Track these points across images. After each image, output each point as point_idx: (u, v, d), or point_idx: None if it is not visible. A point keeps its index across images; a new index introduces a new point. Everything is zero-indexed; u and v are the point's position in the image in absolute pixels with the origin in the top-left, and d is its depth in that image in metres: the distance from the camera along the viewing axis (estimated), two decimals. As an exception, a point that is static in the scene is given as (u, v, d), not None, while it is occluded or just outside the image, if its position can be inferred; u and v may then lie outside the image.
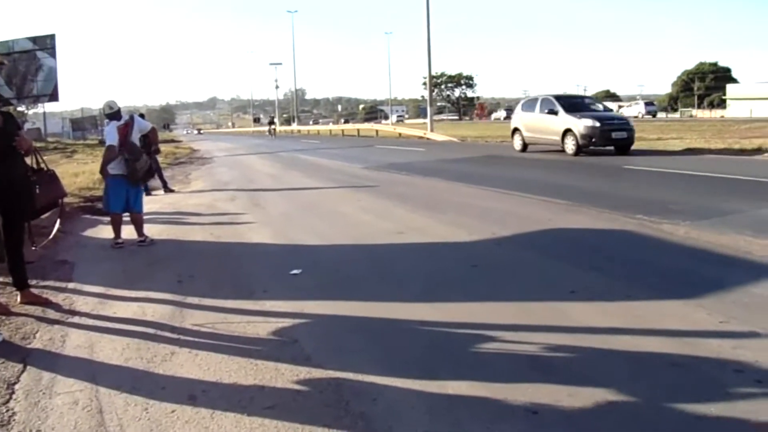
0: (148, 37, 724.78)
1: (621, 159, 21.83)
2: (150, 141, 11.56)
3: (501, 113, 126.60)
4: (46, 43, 51.21)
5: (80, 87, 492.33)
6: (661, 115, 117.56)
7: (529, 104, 28.66)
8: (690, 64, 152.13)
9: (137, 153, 10.08)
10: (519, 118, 28.98)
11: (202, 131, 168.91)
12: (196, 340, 5.85)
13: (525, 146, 27.97)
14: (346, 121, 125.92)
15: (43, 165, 7.66)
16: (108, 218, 10.70)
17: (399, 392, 4.57)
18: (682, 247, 8.72)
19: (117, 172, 10.13)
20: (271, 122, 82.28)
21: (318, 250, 9.54)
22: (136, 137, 10.30)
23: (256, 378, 4.91)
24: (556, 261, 8.29)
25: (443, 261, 8.56)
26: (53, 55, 51.23)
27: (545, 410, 4.20)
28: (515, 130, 28.95)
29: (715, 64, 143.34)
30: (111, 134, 10.09)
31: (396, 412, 4.26)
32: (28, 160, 7.33)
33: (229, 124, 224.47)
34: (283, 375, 4.94)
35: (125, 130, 10.06)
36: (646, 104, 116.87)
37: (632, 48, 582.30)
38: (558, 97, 26.76)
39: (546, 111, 25.97)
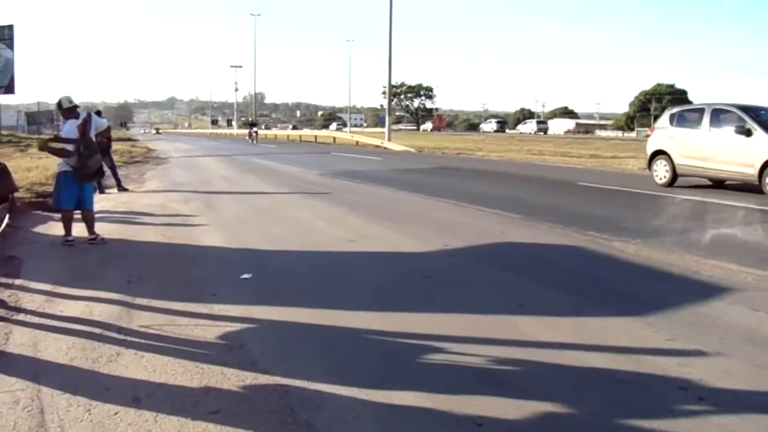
0: (109, 33, 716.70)
1: (575, 175, 21.98)
2: (104, 140, 11.45)
3: (490, 125, 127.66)
4: (3, 34, 50.58)
5: (37, 80, 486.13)
6: (617, 134, 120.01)
7: (688, 117, 19.06)
8: (647, 85, 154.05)
9: (92, 149, 9.99)
10: (667, 137, 19.19)
11: (161, 131, 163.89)
12: (143, 341, 5.80)
13: (675, 178, 18.67)
14: (294, 127, 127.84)
15: (-6, 159, 7.57)
16: (59, 215, 10.58)
17: (345, 401, 4.56)
18: (631, 264, 8.84)
19: (69, 168, 10.04)
20: (252, 124, 70.68)
21: (270, 255, 9.51)
22: (93, 135, 10.22)
23: (202, 382, 4.88)
24: (506, 274, 8.35)
25: (395, 271, 8.57)
26: (11, 46, 50.61)
27: (490, 422, 4.23)
28: (658, 153, 19.42)
29: (672, 86, 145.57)
30: (71, 132, 10.01)
31: (341, 421, 4.26)
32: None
33: (186, 124, 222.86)
34: (229, 380, 4.92)
35: (84, 128, 9.98)
36: (538, 122, 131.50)
37: (591, 66, 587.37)
38: (747, 109, 17.24)
39: (732, 128, 16.86)
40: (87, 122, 10.08)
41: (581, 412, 4.39)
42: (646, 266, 8.68)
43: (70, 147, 9.89)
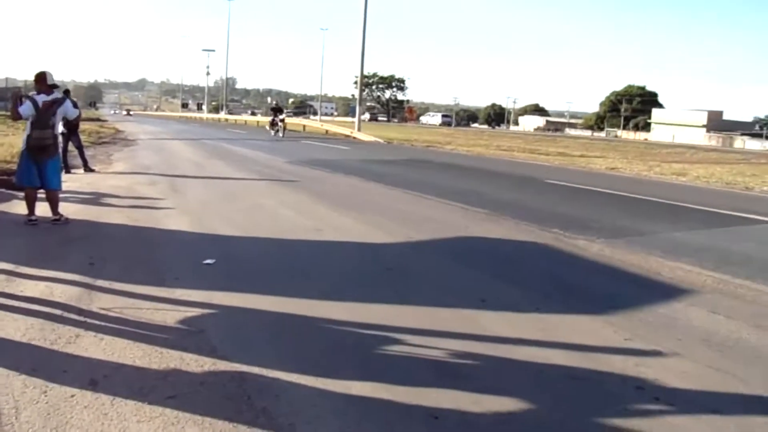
0: (80, 11, 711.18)
1: (542, 172, 22.08)
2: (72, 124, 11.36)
3: (435, 118, 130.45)
4: (-29, 9, 50.07)
5: (5, 56, 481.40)
6: (586, 133, 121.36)
7: None
8: (619, 86, 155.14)
9: (43, 125, 9.89)
10: None
11: (132, 113, 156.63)
12: (103, 324, 5.76)
13: None
14: (253, 113, 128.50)
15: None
16: (23, 194, 10.49)
17: (302, 389, 4.58)
18: (594, 263, 8.93)
19: (25, 145, 10.03)
20: (278, 110, 51.28)
21: (234, 242, 9.50)
22: (58, 117, 10.13)
23: (160, 366, 4.87)
24: (469, 269, 8.40)
25: (358, 261, 8.61)
26: (-22, 22, 50.07)
27: (447, 415, 4.27)
28: None
29: (643, 88, 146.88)
30: (27, 109, 9.96)
31: (298, 410, 4.27)
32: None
33: (155, 107, 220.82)
34: (188, 365, 4.92)
35: (49, 106, 9.90)
36: (443, 116, 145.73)
37: (564, 64, 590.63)
38: None
39: None
40: (55, 102, 10.00)
41: (538, 408, 4.44)
42: (608, 266, 8.77)
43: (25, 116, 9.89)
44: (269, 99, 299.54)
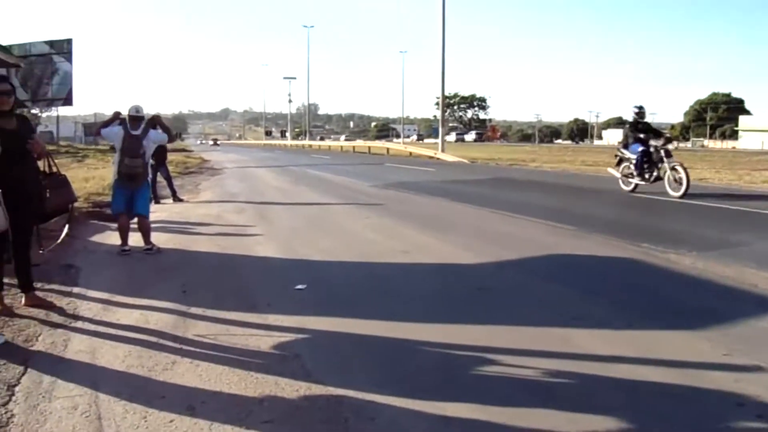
0: (164, 45, 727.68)
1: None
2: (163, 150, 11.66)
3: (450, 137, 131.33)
4: (62, 48, 51.61)
5: (94, 92, 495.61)
6: (672, 144, 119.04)
7: None
8: (703, 94, 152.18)
9: (131, 153, 10.16)
10: None
11: (219, 142, 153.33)
12: (198, 350, 5.85)
13: None
14: (348, 138, 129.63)
15: (55, 169, 7.71)
16: (116, 225, 10.72)
17: (398, 412, 4.55)
18: (687, 277, 8.69)
19: (116, 173, 10.41)
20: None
21: (323, 266, 9.54)
22: (150, 147, 10.37)
23: (256, 391, 4.90)
24: (560, 286, 8.28)
25: (448, 282, 8.55)
26: (69, 59, 51.63)
27: (544, 436, 4.20)
28: None
29: (728, 95, 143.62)
30: (112, 134, 10.46)
31: (394, 432, 4.24)
32: (40, 164, 7.37)
33: (237, 135, 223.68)
34: (283, 389, 4.94)
35: (136, 139, 10.16)
36: (457, 134, 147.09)
37: (646, 74, 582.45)
38: None
39: None
40: (140, 137, 10.30)
41: (635, 427, 4.32)
42: (701, 279, 8.54)
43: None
44: (351, 124, 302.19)
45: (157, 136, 10.69)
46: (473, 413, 4.51)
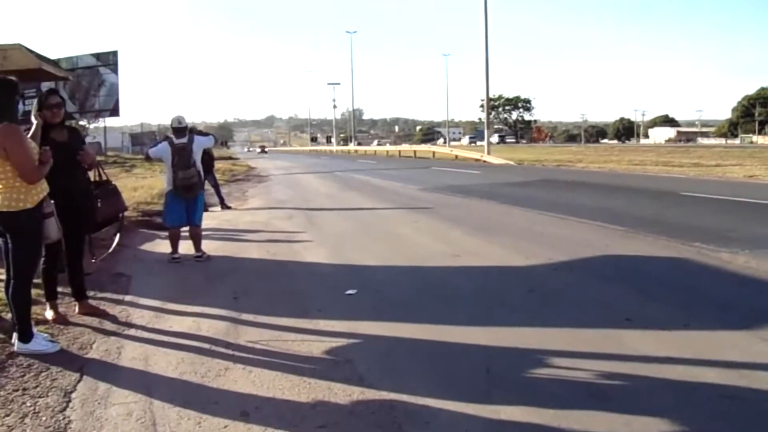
0: (208, 54, 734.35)
1: (677, 185, 21.51)
2: (206, 158, 11.76)
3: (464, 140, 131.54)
4: (108, 60, 52.27)
5: (140, 103, 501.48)
6: (720, 141, 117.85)
7: None
8: (751, 90, 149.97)
9: (183, 165, 10.26)
10: None
11: (267, 150, 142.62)
12: (250, 356, 5.88)
13: None
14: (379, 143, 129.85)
15: (105, 179, 7.79)
16: (166, 233, 10.82)
17: (452, 416, 4.53)
18: (740, 276, 8.58)
19: (170, 187, 10.48)
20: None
21: (373, 271, 9.54)
22: (198, 154, 10.43)
23: (309, 396, 4.91)
24: (612, 288, 8.20)
25: (498, 285, 8.51)
26: (115, 71, 52.28)
27: (599, 438, 4.14)
28: None
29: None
30: (159, 150, 10.66)
31: (449, 436, 4.22)
32: (91, 174, 7.45)
33: (281, 141, 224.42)
34: (336, 394, 4.94)
35: (185, 147, 10.25)
36: (470, 138, 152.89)
37: (692, 71, 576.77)
38: None
39: None
40: (186, 145, 10.41)
41: (690, 429, 4.25)
42: (756, 278, 8.42)
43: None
44: (396, 128, 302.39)
45: (200, 140, 10.76)
46: (527, 416, 4.48)
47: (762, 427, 4.27)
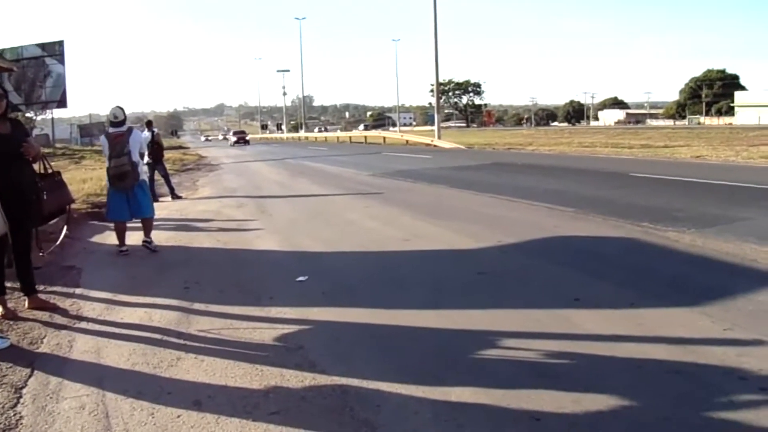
0: (157, 43, 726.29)
1: (626, 166, 21.73)
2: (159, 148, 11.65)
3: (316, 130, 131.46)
4: (54, 50, 51.45)
5: (88, 93, 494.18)
6: (668, 122, 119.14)
7: None
8: (697, 72, 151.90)
9: (117, 152, 10.13)
10: None
11: (248, 138, 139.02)
12: (202, 345, 5.88)
13: None
14: (324, 129, 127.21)
15: (50, 171, 7.71)
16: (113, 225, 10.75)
17: (403, 399, 4.58)
18: (687, 254, 8.73)
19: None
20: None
21: (324, 257, 9.58)
22: (134, 148, 10.31)
23: (261, 384, 4.94)
24: (561, 268, 8.31)
25: (449, 268, 8.58)
26: (62, 61, 51.47)
27: (549, 417, 4.22)
28: None
29: (723, 72, 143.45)
30: (102, 142, 10.54)
31: (400, 419, 4.27)
32: (36, 167, 7.37)
33: (225, 128, 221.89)
34: (288, 381, 4.97)
35: (119, 138, 10.14)
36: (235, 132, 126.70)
37: (639, 54, 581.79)
38: None
39: None
40: (122, 134, 10.26)
41: (639, 404, 4.35)
42: (702, 256, 8.57)
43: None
44: (347, 114, 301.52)
45: (139, 133, 10.68)
46: (478, 397, 4.54)
47: (708, 399, 4.36)
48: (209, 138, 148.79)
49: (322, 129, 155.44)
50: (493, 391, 4.60)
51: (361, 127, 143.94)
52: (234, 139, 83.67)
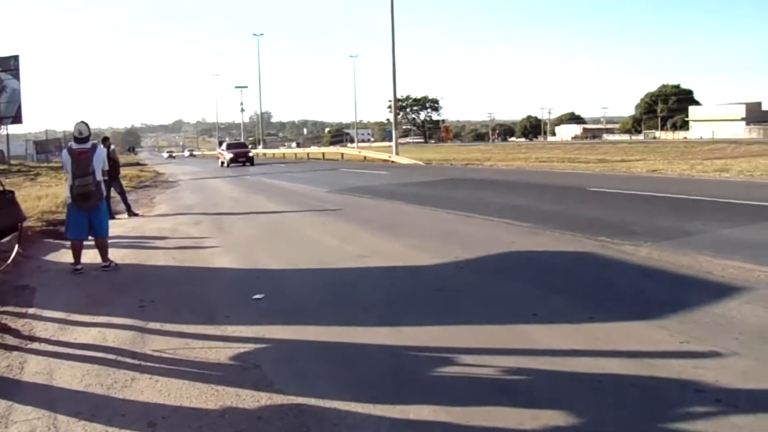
0: (114, 59, 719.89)
1: (583, 180, 21.92)
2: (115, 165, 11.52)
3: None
4: (9, 65, 50.80)
5: (44, 109, 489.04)
6: (624, 137, 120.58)
7: None
8: (653, 87, 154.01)
9: (82, 170, 9.98)
10: None
11: (251, 153, 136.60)
12: (157, 365, 5.81)
13: None
14: (298, 145, 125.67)
15: (1, 188, 7.60)
16: (69, 243, 10.62)
17: (361, 417, 4.55)
18: (643, 268, 8.81)
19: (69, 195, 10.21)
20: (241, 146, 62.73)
21: (281, 275, 9.53)
22: (98, 163, 10.20)
23: (218, 404, 4.89)
24: (518, 284, 8.35)
25: (406, 285, 8.58)
26: (17, 76, 50.81)
27: (507, 433, 4.21)
28: None
29: (677, 86, 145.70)
30: (65, 159, 10.31)
31: (358, 438, 4.24)
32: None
33: (181, 144, 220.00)
34: (245, 400, 4.93)
35: (83, 156, 10.02)
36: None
37: (595, 70, 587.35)
38: None
39: None
40: (86, 151, 10.13)
41: (598, 418, 4.37)
42: (657, 269, 8.66)
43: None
44: (305, 130, 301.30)
45: (101, 153, 10.57)
46: (435, 415, 4.53)
47: (665, 412, 4.39)
48: (173, 155, 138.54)
49: (298, 144, 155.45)
50: (453, 409, 4.59)
51: (294, 144, 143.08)
52: (230, 156, 55.00)
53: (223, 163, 55.91)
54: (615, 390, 4.84)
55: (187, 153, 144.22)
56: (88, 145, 10.18)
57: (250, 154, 57.38)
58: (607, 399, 4.68)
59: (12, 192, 7.90)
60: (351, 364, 5.69)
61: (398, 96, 55.42)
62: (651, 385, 4.87)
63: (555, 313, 6.83)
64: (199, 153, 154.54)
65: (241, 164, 53.39)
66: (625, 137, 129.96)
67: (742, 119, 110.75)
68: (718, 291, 7.39)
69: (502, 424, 4.33)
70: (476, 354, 5.77)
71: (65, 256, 11.29)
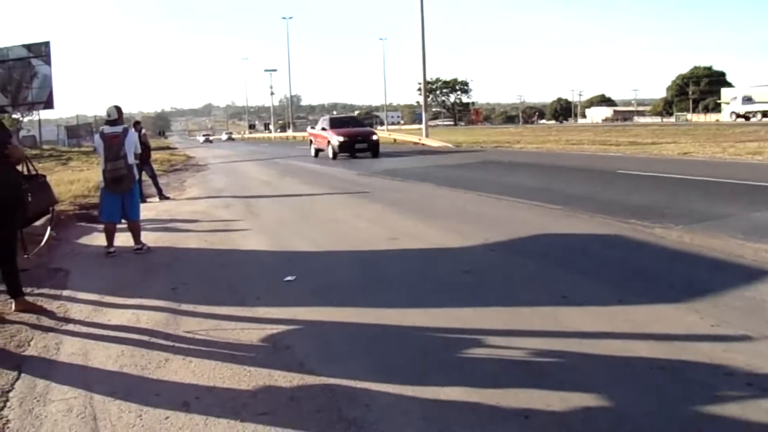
0: (144, 44, 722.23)
1: (614, 163, 21.78)
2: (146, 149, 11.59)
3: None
4: (40, 51, 51.08)
5: (75, 94, 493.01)
6: (655, 120, 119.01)
7: None
8: (685, 69, 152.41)
9: (114, 154, 10.11)
10: None
11: (234, 137, 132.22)
12: (190, 347, 5.87)
13: None
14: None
15: (35, 172, 7.68)
16: (102, 226, 10.71)
17: (392, 398, 4.57)
18: (674, 251, 8.76)
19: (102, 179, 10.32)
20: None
21: (312, 257, 9.58)
22: (129, 146, 10.29)
23: (250, 384, 4.93)
24: (548, 266, 8.33)
25: (436, 267, 8.58)
26: (48, 62, 51.08)
27: (537, 414, 4.22)
28: None
29: (709, 68, 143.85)
30: (97, 142, 10.46)
31: (389, 418, 4.27)
32: (20, 168, 7.32)
33: (209, 127, 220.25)
34: (277, 381, 4.96)
35: (115, 140, 10.11)
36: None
37: (627, 51, 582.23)
38: None
39: None
40: (117, 135, 10.24)
41: (627, 401, 4.35)
42: (688, 252, 8.61)
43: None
44: (335, 113, 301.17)
45: (133, 136, 10.62)
46: (466, 395, 4.54)
47: (694, 396, 4.37)
48: (210, 138, 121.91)
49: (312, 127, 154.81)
50: (482, 390, 4.60)
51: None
52: (338, 140, 33.03)
53: (318, 152, 36.52)
54: (644, 373, 4.82)
55: (224, 136, 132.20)
56: (120, 129, 10.26)
57: (375, 137, 35.48)
58: (635, 382, 4.66)
59: (44, 176, 7.99)
60: (382, 346, 5.71)
61: (428, 78, 55.20)
62: (681, 369, 4.84)
63: (584, 296, 6.80)
64: (238, 136, 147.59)
65: (354, 156, 33.40)
66: (657, 119, 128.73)
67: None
68: (749, 275, 7.34)
69: (531, 405, 4.33)
70: (505, 336, 5.77)
71: (98, 239, 11.39)
